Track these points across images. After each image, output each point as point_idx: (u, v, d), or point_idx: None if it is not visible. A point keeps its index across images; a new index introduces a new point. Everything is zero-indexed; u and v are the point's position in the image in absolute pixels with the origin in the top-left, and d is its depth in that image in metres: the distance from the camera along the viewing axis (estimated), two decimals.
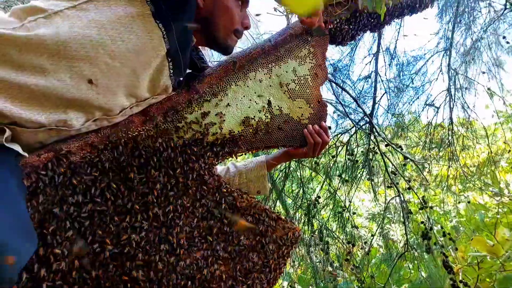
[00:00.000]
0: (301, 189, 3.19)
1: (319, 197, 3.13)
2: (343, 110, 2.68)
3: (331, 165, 3.15)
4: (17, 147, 0.73)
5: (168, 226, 0.95)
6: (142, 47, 0.81)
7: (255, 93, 1.17)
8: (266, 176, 1.32)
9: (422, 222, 2.77)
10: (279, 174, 3.19)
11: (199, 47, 1.13)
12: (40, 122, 0.75)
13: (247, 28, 1.05)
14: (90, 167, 0.86)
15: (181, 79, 1.05)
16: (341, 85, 2.47)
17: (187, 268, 0.96)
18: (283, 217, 1.14)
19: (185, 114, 1.04)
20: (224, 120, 1.10)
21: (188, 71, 1.09)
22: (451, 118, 3.30)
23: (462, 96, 3.32)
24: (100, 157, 0.87)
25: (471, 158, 3.98)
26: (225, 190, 1.08)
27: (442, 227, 3.06)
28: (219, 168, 1.33)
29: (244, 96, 1.15)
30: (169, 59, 0.88)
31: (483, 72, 3.67)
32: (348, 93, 2.31)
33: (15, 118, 0.71)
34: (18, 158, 0.75)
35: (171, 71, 0.91)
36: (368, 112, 2.60)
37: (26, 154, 0.76)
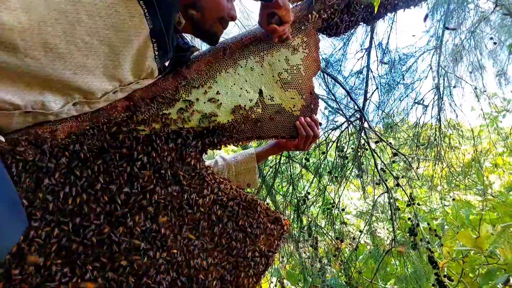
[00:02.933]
0: (291, 186, 3.17)
1: (308, 193, 3.12)
2: (335, 105, 2.66)
3: (321, 161, 3.14)
4: None
5: (153, 217, 0.91)
6: (121, 24, 0.75)
7: (246, 81, 1.13)
8: (256, 169, 1.28)
9: (409, 219, 2.80)
10: (269, 171, 3.16)
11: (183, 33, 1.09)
12: (14, 103, 0.69)
13: (233, 19, 1.02)
14: (69, 152, 0.81)
15: (167, 63, 1.01)
16: (334, 78, 2.46)
17: (174, 260, 0.92)
18: (272, 209, 1.11)
19: (172, 101, 0.99)
20: (213, 109, 1.06)
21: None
22: (439, 116, 3.33)
23: (450, 94, 3.35)
24: (79, 143, 0.82)
25: (457, 158, 4.04)
26: (213, 181, 1.04)
27: (428, 224, 3.10)
28: (207, 162, 1.29)
29: (234, 84, 1.11)
30: (153, 40, 0.83)
31: (470, 72, 3.72)
32: (341, 85, 2.30)
33: None
34: None
35: (156, 53, 0.86)
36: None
37: (1, 138, 0.71)
